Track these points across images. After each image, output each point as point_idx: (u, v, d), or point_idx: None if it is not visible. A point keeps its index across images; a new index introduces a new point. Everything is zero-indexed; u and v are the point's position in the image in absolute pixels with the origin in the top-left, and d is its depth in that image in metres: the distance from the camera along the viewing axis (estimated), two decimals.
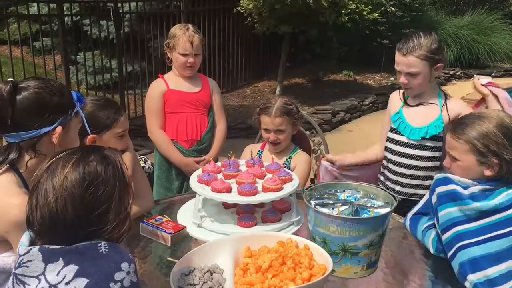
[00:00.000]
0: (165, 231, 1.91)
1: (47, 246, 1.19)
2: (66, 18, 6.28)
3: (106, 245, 1.21)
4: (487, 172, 1.70)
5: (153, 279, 1.71)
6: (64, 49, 5.93)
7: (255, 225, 1.97)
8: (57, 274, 1.16)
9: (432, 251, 1.82)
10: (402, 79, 2.32)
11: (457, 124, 1.79)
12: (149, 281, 1.69)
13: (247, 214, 2.01)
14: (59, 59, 6.50)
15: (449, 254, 1.69)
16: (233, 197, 1.91)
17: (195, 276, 1.52)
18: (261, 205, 2.09)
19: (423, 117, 2.36)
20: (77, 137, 1.71)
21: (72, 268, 1.16)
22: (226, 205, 2.12)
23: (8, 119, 1.52)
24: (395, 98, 2.53)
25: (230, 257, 1.59)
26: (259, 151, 2.79)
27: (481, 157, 1.70)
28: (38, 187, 1.22)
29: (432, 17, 10.80)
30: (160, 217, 2.03)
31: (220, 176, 2.05)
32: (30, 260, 1.18)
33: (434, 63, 2.28)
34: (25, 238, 1.25)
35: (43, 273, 1.17)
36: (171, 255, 1.80)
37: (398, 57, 2.31)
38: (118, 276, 1.18)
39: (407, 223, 2.01)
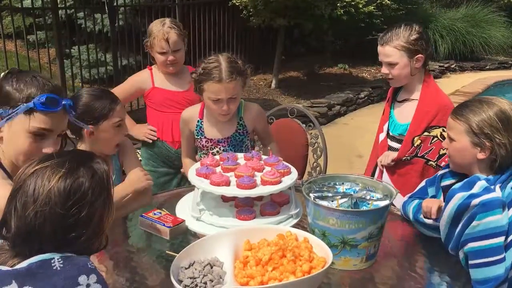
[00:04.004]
0: (164, 225, 1.91)
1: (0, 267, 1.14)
2: (60, 11, 6.23)
3: (60, 259, 1.14)
4: (480, 155, 1.73)
5: (153, 273, 1.71)
6: (58, 43, 5.88)
7: (254, 218, 1.96)
8: None
9: (411, 217, 1.95)
10: (383, 69, 2.40)
11: (459, 107, 1.82)
12: (149, 274, 1.69)
13: (245, 207, 2.01)
14: (54, 52, 6.45)
15: (461, 257, 1.69)
16: (232, 190, 1.90)
17: (195, 269, 1.52)
18: (259, 198, 2.09)
19: (406, 114, 2.40)
20: (24, 141, 1.54)
21: None
22: (224, 199, 2.11)
23: None
24: (390, 93, 2.58)
25: (230, 250, 1.60)
26: (198, 121, 2.44)
27: (475, 138, 1.72)
28: (19, 193, 1.16)
29: (427, 10, 10.80)
30: (158, 210, 2.03)
31: (218, 169, 2.05)
32: None
33: (413, 54, 2.29)
34: None
35: None
36: (170, 249, 1.79)
37: (378, 47, 2.37)
38: None
39: (401, 205, 2.08)
